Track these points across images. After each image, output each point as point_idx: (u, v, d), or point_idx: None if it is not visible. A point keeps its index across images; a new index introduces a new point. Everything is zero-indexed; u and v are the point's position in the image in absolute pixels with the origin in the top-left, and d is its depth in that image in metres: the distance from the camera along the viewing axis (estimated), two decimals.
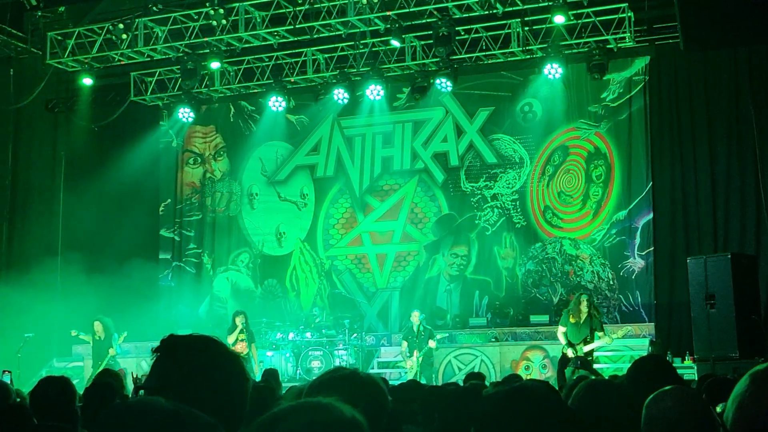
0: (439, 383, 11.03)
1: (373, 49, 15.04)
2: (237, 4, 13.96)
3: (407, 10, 13.38)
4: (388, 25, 13.70)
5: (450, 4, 13.22)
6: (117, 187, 16.29)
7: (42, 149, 16.78)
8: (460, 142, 15.62)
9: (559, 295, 14.60)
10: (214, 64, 15.11)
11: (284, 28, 14.06)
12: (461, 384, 5.92)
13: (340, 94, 15.24)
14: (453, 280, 15.40)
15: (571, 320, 11.05)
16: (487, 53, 14.69)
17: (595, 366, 11.57)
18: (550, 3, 13.01)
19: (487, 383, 6.54)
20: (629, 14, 13.58)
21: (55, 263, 15.83)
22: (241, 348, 12.65)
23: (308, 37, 14.27)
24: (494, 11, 13.29)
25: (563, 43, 14.09)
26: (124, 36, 14.56)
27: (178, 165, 17.40)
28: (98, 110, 16.55)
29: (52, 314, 14.63)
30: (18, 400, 5.06)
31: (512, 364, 13.18)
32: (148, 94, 16.59)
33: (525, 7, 13.28)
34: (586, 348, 10.97)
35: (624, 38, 13.81)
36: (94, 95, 16.26)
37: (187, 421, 1.43)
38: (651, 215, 14.24)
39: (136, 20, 14.50)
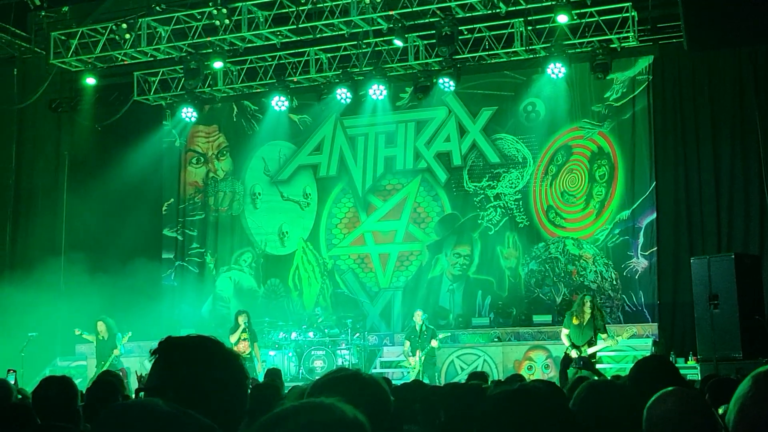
0: (442, 383, 11.04)
1: (376, 48, 15.04)
2: (240, 4, 13.97)
3: (410, 10, 13.38)
4: (391, 25, 13.69)
5: (453, 4, 13.21)
6: (120, 187, 16.31)
7: (45, 149, 16.80)
8: (463, 142, 15.61)
9: (562, 295, 14.59)
10: (217, 64, 15.12)
11: (287, 27, 14.07)
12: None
13: (343, 94, 15.24)
14: (456, 280, 15.39)
15: (575, 322, 11.04)
16: (490, 53, 14.68)
17: (598, 366, 11.56)
18: (554, 2, 12.99)
19: (489, 383, 6.53)
20: (633, 14, 13.56)
21: (58, 263, 15.85)
22: (243, 347, 12.66)
23: (311, 36, 14.27)
24: (497, 11, 13.28)
25: (566, 42, 14.07)
26: (128, 36, 14.57)
27: (181, 164, 17.42)
28: (101, 110, 16.57)
29: (56, 314, 14.65)
30: (20, 397, 5.07)
31: (515, 364, 13.17)
32: (152, 93, 16.60)
33: (528, 6, 13.27)
34: (590, 350, 10.96)
35: (627, 38, 13.79)
36: (97, 95, 16.28)
37: (186, 423, 1.42)
38: (654, 215, 14.22)
39: (140, 20, 14.51)
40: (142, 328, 14.00)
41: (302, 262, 16.40)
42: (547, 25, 14.02)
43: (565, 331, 11.18)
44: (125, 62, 15.48)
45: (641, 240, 14.26)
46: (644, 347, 12.94)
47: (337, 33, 14.23)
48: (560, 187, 14.98)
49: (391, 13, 13.39)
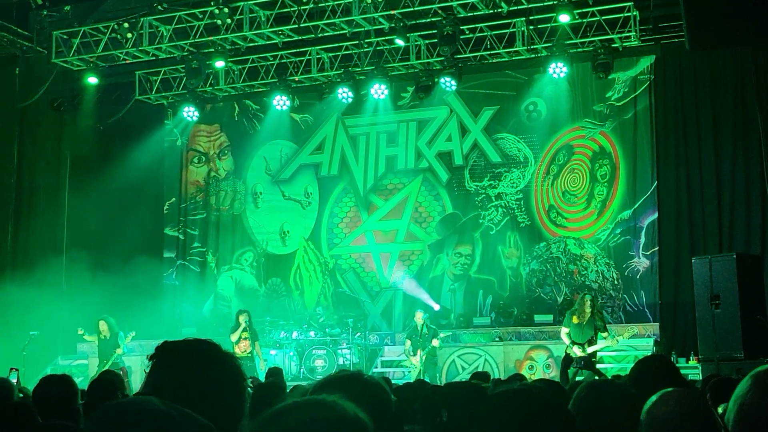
0: (443, 382, 11.03)
1: (378, 48, 15.04)
2: (242, 3, 13.97)
3: (412, 9, 13.37)
4: (393, 24, 13.69)
5: (455, 3, 13.21)
6: (122, 186, 16.31)
7: (47, 148, 16.80)
8: (465, 142, 15.61)
9: (563, 295, 14.58)
10: (219, 63, 15.12)
11: (289, 27, 14.07)
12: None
13: (344, 93, 15.24)
14: (457, 280, 15.39)
15: (575, 321, 11.04)
16: (491, 52, 14.68)
17: (599, 366, 11.56)
18: (555, 2, 12.99)
19: (489, 382, 6.53)
20: (634, 13, 13.56)
21: (60, 262, 15.86)
22: (244, 346, 12.66)
23: (313, 36, 14.27)
24: (499, 10, 13.28)
25: (568, 42, 14.07)
26: (129, 35, 14.58)
27: (183, 164, 17.43)
28: (103, 109, 16.57)
29: (57, 312, 14.66)
30: (21, 396, 5.06)
31: (516, 364, 13.17)
32: (153, 93, 16.61)
33: (530, 6, 13.26)
34: (591, 349, 10.95)
35: (629, 37, 13.79)
36: (99, 94, 16.28)
37: (182, 422, 1.42)
38: (656, 215, 14.22)
39: (141, 19, 14.52)
40: (144, 327, 14.02)
41: (303, 262, 16.40)
42: (548, 25, 14.01)
43: (565, 330, 11.19)
44: (127, 61, 15.49)
45: (643, 240, 14.25)
46: (645, 347, 12.93)
47: (338, 32, 14.23)
48: (562, 187, 14.98)
49: (392, 12, 13.39)
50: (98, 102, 16.43)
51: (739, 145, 13.79)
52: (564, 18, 13.34)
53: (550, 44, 14.10)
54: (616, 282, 14.38)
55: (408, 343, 12.79)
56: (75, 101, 16.15)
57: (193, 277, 16.91)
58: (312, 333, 14.18)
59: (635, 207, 14.36)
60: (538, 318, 14.23)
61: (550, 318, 14.05)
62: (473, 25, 14.25)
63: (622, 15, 13.64)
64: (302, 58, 15.62)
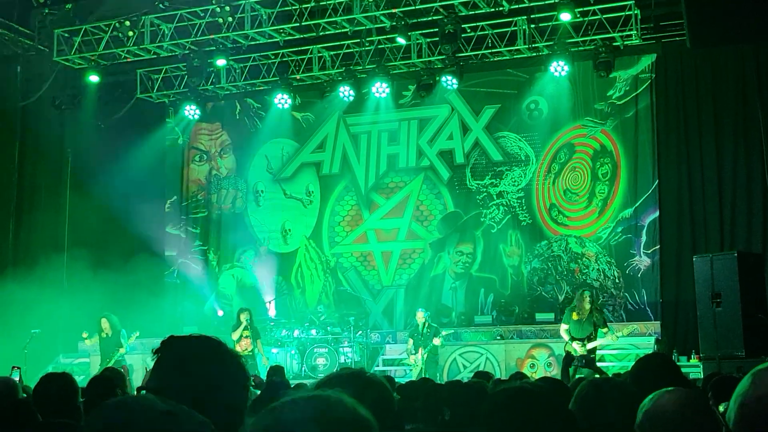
0: (444, 381, 11.03)
1: (379, 46, 15.04)
2: (243, 2, 13.97)
3: (413, 8, 13.37)
4: (394, 23, 13.69)
5: (456, 2, 13.21)
6: (123, 184, 16.30)
7: (48, 146, 16.81)
8: (466, 140, 15.61)
9: (564, 293, 14.58)
10: (220, 62, 15.13)
11: (290, 25, 14.07)
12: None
13: (345, 92, 15.24)
14: (458, 278, 15.40)
15: (574, 317, 11.04)
16: (493, 51, 14.67)
17: (600, 364, 11.57)
18: (557, 0, 12.98)
19: (490, 382, 6.53)
20: (636, 11, 13.55)
21: (61, 260, 15.87)
22: (245, 345, 12.67)
23: (314, 34, 14.27)
24: (500, 9, 13.27)
25: (569, 40, 14.06)
26: (131, 33, 14.59)
27: (184, 162, 17.44)
28: (105, 107, 16.57)
29: (59, 311, 14.66)
30: (24, 395, 5.06)
31: (517, 362, 13.17)
32: (155, 91, 16.62)
33: (531, 4, 13.26)
34: (590, 345, 10.96)
35: (630, 36, 13.78)
36: (100, 92, 16.28)
37: (181, 419, 1.43)
38: (657, 213, 14.21)
39: (143, 17, 14.53)
40: (145, 326, 14.01)
41: (305, 260, 16.41)
42: (550, 23, 14.01)
43: (564, 327, 11.19)
44: (128, 60, 15.50)
45: (644, 238, 14.25)
46: (647, 345, 12.94)
47: (340, 31, 14.23)
48: (563, 185, 14.98)
49: (394, 11, 13.39)
50: (99, 100, 16.43)
51: (741, 143, 13.78)
52: (565, 16, 13.34)
53: (551, 43, 14.09)
54: (617, 280, 14.38)
55: (410, 341, 12.80)
56: (76, 99, 16.15)
57: (195, 275, 16.92)
58: (313, 331, 14.19)
59: (636, 205, 14.35)
60: (539, 316, 14.24)
61: (551, 316, 14.05)
62: (474, 24, 14.24)
63: (623, 13, 13.64)
64: (304, 57, 15.62)
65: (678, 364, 12.19)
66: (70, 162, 16.80)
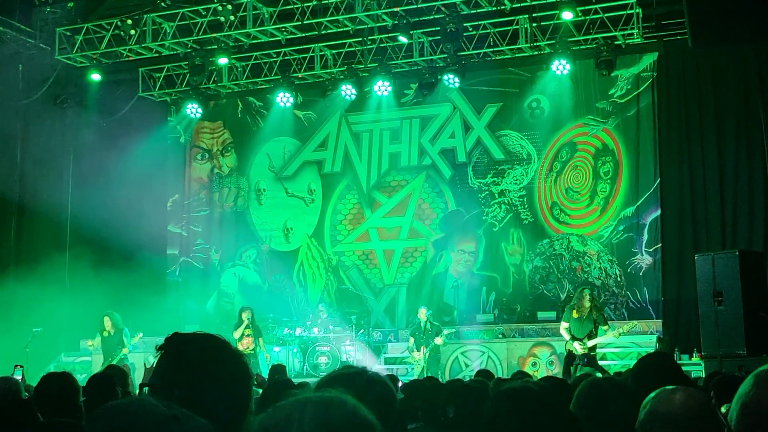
0: (446, 379, 11.04)
1: (381, 45, 15.04)
2: (245, 0, 13.97)
3: (415, 6, 13.37)
4: (396, 21, 13.69)
5: (458, 0, 13.20)
6: (125, 183, 16.32)
7: (50, 144, 16.82)
8: (468, 138, 15.61)
9: (566, 292, 14.57)
10: (222, 60, 15.13)
11: (292, 24, 14.07)
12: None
13: (347, 90, 15.24)
14: (460, 276, 15.40)
15: (574, 315, 11.04)
16: (494, 49, 14.67)
17: (602, 362, 11.57)
18: None
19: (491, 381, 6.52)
20: (637, 10, 13.54)
21: (63, 258, 15.89)
22: (247, 343, 12.68)
23: (316, 33, 14.27)
24: (502, 7, 13.27)
25: (571, 39, 14.06)
26: (133, 32, 14.59)
27: (186, 160, 17.44)
28: (106, 106, 16.57)
29: (61, 309, 14.68)
30: (26, 395, 5.07)
31: (519, 361, 13.18)
32: (156, 89, 16.62)
33: (533, 3, 13.26)
34: (591, 342, 10.96)
35: (632, 34, 13.77)
36: (102, 91, 16.28)
37: (182, 423, 1.43)
38: (659, 212, 14.21)
39: (145, 16, 14.53)
40: (147, 324, 14.02)
41: (307, 258, 16.42)
42: (551, 22, 14.01)
43: (564, 325, 11.19)
44: (130, 58, 15.51)
45: (645, 237, 14.25)
46: (648, 344, 12.95)
47: (341, 29, 14.23)
48: (564, 184, 14.97)
49: (395, 9, 13.39)
50: (101, 99, 16.43)
51: (742, 142, 13.78)
52: (567, 15, 13.34)
53: (553, 41, 14.09)
54: (619, 279, 14.38)
55: (411, 339, 12.81)
56: (78, 98, 16.17)
57: (197, 273, 16.93)
58: (315, 330, 14.19)
59: (638, 204, 14.35)
60: (541, 315, 14.24)
61: (553, 315, 14.05)
62: (476, 22, 14.24)
63: (625, 12, 13.63)
64: (305, 55, 15.63)
65: (680, 362, 12.23)
66: (72, 160, 16.82)
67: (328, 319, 14.50)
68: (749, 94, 13.76)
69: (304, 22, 13.87)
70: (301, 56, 15.68)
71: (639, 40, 13.92)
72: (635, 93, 14.55)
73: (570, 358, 11.05)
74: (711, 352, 11.49)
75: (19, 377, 10.31)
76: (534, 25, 14.05)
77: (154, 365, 2.00)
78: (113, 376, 5.24)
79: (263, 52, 15.68)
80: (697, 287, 11.98)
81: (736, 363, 10.46)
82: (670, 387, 2.38)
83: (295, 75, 15.68)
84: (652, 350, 12.47)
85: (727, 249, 12.80)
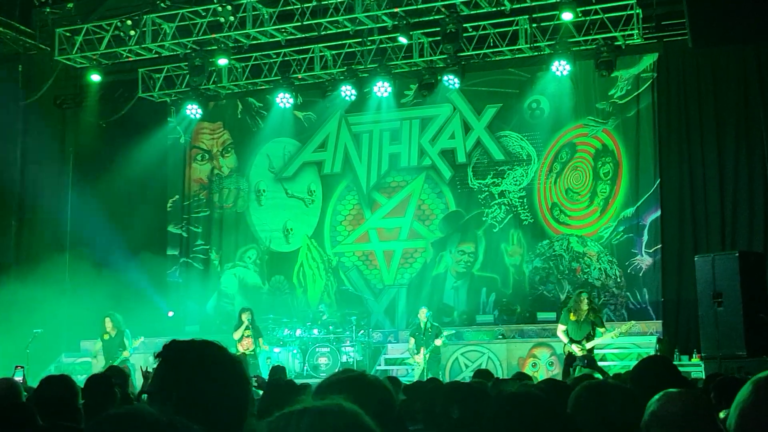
0: (446, 380, 11.05)
1: (381, 45, 15.04)
2: (244, 1, 13.98)
3: (415, 7, 13.37)
4: (396, 22, 13.69)
5: (457, 1, 13.20)
6: (125, 183, 16.34)
7: (50, 145, 16.83)
8: (468, 139, 15.61)
9: (566, 293, 14.57)
10: (222, 61, 15.13)
11: (292, 24, 14.07)
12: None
13: (347, 91, 15.24)
14: (460, 277, 15.40)
15: (572, 318, 11.03)
16: (494, 50, 14.67)
17: (602, 363, 11.57)
18: (558, 0, 12.98)
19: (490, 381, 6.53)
20: (637, 11, 13.54)
21: (63, 259, 15.90)
22: (247, 344, 12.68)
23: (316, 33, 14.27)
24: (502, 8, 13.27)
25: (571, 39, 14.06)
26: (132, 32, 14.60)
27: (186, 161, 17.44)
28: (106, 106, 16.60)
29: (61, 310, 14.69)
30: (25, 395, 5.07)
31: (519, 362, 13.18)
32: (156, 90, 16.62)
33: (533, 3, 13.26)
34: (589, 345, 10.96)
35: (632, 35, 13.77)
36: (102, 91, 16.31)
37: (178, 429, 1.43)
38: (659, 212, 14.21)
39: (144, 17, 14.54)
40: (147, 325, 14.05)
41: (307, 259, 16.42)
42: (551, 23, 14.01)
43: (561, 328, 11.17)
44: (130, 59, 15.51)
45: (645, 237, 14.25)
46: (648, 345, 12.95)
47: (341, 30, 14.23)
48: (564, 185, 14.98)
49: (395, 10, 13.39)
50: (101, 99, 16.46)
51: (742, 142, 13.78)
52: (567, 16, 13.34)
53: (553, 42, 14.09)
54: (618, 280, 14.38)
55: (411, 340, 12.81)
56: (78, 99, 16.19)
57: (197, 274, 16.93)
58: (315, 331, 14.19)
59: (638, 205, 14.35)
60: (541, 316, 14.24)
61: (553, 316, 14.04)
62: (476, 23, 14.24)
63: (625, 13, 13.63)
64: (305, 56, 15.63)
65: (679, 363, 12.25)
66: (72, 161, 16.83)
67: (328, 320, 14.50)
68: (749, 94, 13.76)
69: (304, 23, 13.88)
70: (300, 57, 15.68)
71: (639, 40, 13.92)
72: (635, 94, 14.55)
73: (570, 359, 11.04)
74: (711, 353, 11.49)
75: (19, 378, 10.32)
76: (534, 25, 14.06)
77: (152, 371, 2.00)
78: (112, 377, 5.24)
79: (263, 53, 15.68)
80: (697, 288, 11.98)
81: (736, 364, 10.47)
82: (673, 390, 2.40)
83: (294, 76, 15.68)
84: (652, 351, 12.49)
85: (727, 250, 12.80)
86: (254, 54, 15.67)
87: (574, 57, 14.13)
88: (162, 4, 14.40)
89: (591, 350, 11.04)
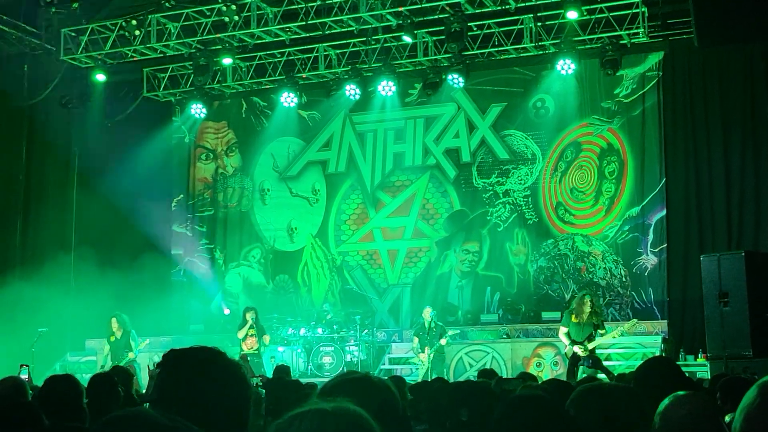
0: (451, 380, 11.03)
1: (385, 44, 15.04)
2: (249, 0, 13.99)
3: (419, 6, 13.36)
4: (400, 21, 13.69)
5: (462, 0, 13.19)
6: (130, 183, 16.35)
7: (55, 145, 16.86)
8: (472, 138, 15.60)
9: (571, 292, 14.54)
10: (227, 60, 15.15)
11: (296, 24, 14.08)
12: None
13: (351, 90, 15.24)
14: (464, 277, 15.39)
15: (574, 320, 10.99)
16: (499, 49, 14.66)
17: (606, 363, 11.55)
18: None
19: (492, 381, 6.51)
20: (643, 9, 13.51)
21: (68, 258, 15.93)
22: (251, 343, 12.68)
23: (320, 33, 14.27)
24: (507, 7, 13.26)
25: (576, 38, 14.04)
26: (137, 32, 14.62)
27: (191, 161, 17.46)
28: (111, 106, 16.61)
29: (66, 309, 14.72)
30: (31, 393, 5.07)
31: (524, 361, 13.17)
32: (161, 90, 16.65)
33: (538, 2, 13.25)
34: (591, 345, 10.93)
35: (637, 34, 13.74)
36: (107, 91, 16.33)
37: None
38: (664, 212, 14.18)
39: (149, 16, 14.55)
40: (151, 324, 14.08)
41: (311, 258, 16.43)
42: (556, 21, 13.98)
43: (563, 329, 11.14)
44: (135, 58, 15.54)
45: (651, 237, 14.22)
46: (654, 344, 12.92)
47: (346, 29, 14.24)
48: (569, 184, 14.95)
49: (400, 9, 13.39)
50: (106, 99, 16.48)
51: (749, 142, 13.74)
52: (572, 14, 13.32)
53: (558, 41, 14.07)
54: (624, 279, 14.35)
55: (416, 340, 12.80)
56: (83, 98, 16.20)
57: (201, 273, 16.95)
58: (320, 330, 14.20)
59: (643, 204, 14.32)
60: (545, 315, 14.22)
61: (557, 315, 13.98)
62: (481, 22, 14.23)
63: (630, 11, 13.60)
64: (310, 55, 15.63)
65: (685, 363, 12.22)
66: (77, 161, 16.86)
67: (332, 320, 14.50)
68: (755, 93, 13.72)
69: (309, 22, 13.88)
70: (305, 56, 15.69)
71: (644, 39, 13.88)
72: (640, 92, 14.52)
73: (575, 359, 11.02)
74: (716, 353, 11.46)
75: (25, 377, 10.34)
76: (539, 24, 14.04)
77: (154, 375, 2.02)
78: (115, 376, 5.25)
79: (267, 52, 15.69)
80: (703, 288, 11.95)
81: (742, 364, 10.44)
82: (680, 393, 2.41)
83: (299, 75, 15.68)
84: (657, 351, 12.46)
85: (733, 249, 12.77)
86: (259, 53, 15.68)
87: (579, 56, 14.11)
88: (167, 4, 14.42)
89: (593, 351, 11.02)
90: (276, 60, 15.84)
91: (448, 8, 13.41)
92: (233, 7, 13.84)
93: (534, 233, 15.02)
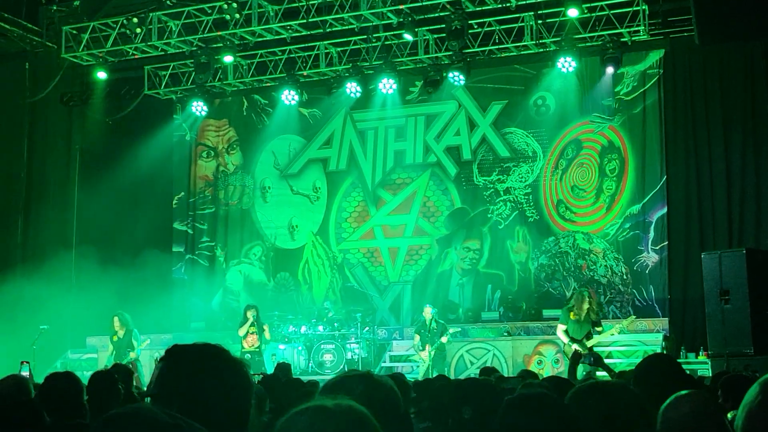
0: (451, 377, 11.04)
1: (386, 42, 15.03)
2: None
3: (420, 4, 13.37)
4: (401, 19, 13.68)
5: None
6: (131, 180, 16.37)
7: (57, 143, 16.88)
8: (473, 136, 15.60)
9: (571, 290, 14.54)
10: (228, 58, 15.14)
11: (297, 21, 14.07)
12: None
13: (352, 88, 15.24)
14: (465, 274, 15.39)
15: (572, 317, 11.00)
16: (500, 47, 14.65)
17: (607, 360, 11.56)
18: None
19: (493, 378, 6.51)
20: (644, 7, 13.50)
21: (69, 256, 15.95)
22: (252, 341, 12.70)
23: (321, 30, 14.27)
24: (507, 4, 13.26)
25: (577, 36, 14.03)
26: (138, 30, 14.62)
27: (192, 158, 17.47)
28: (112, 104, 16.63)
29: (67, 307, 14.74)
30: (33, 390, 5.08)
31: (525, 359, 13.18)
32: (162, 87, 16.65)
33: (538, 0, 13.23)
34: (590, 343, 10.95)
35: (638, 31, 13.73)
36: (108, 89, 16.35)
37: (183, 429, 1.43)
38: (665, 209, 14.18)
39: (150, 14, 14.56)
40: (153, 321, 14.09)
41: (312, 256, 16.43)
42: (557, 19, 13.97)
43: (561, 327, 11.15)
44: (136, 56, 15.54)
45: (652, 234, 14.22)
46: (655, 342, 12.93)
47: (347, 27, 14.24)
48: (570, 182, 14.95)
49: (401, 7, 13.38)
50: (107, 97, 16.50)
51: (749, 139, 13.73)
52: (572, 12, 13.32)
53: (558, 38, 14.06)
54: (624, 277, 14.35)
55: (417, 337, 12.82)
56: (84, 96, 16.22)
57: (202, 271, 16.96)
58: (320, 327, 14.21)
59: (644, 201, 14.32)
60: (546, 313, 14.21)
61: (558, 313, 13.97)
62: (482, 20, 14.22)
63: (631, 9, 13.59)
64: (310, 53, 15.63)
65: (686, 360, 12.21)
66: (78, 158, 16.88)
67: (333, 317, 14.52)
68: (756, 90, 13.71)
69: (309, 20, 13.88)
70: (306, 54, 15.69)
71: (645, 37, 13.87)
72: (641, 90, 14.51)
73: (576, 356, 11.03)
74: (717, 350, 11.46)
75: (26, 373, 10.36)
76: (539, 22, 14.03)
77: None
78: (115, 373, 5.25)
79: (268, 50, 15.68)
80: (704, 285, 11.94)
81: (743, 362, 10.44)
82: (684, 392, 2.42)
83: (300, 73, 15.68)
84: (658, 348, 12.47)
85: (734, 247, 12.77)
86: (260, 51, 15.67)
87: (580, 53, 14.10)
88: (168, 2, 14.43)
89: (591, 348, 11.03)
90: (277, 58, 15.84)
91: (448, 6, 13.41)
92: (234, 4, 13.84)
93: (535, 231, 15.03)
